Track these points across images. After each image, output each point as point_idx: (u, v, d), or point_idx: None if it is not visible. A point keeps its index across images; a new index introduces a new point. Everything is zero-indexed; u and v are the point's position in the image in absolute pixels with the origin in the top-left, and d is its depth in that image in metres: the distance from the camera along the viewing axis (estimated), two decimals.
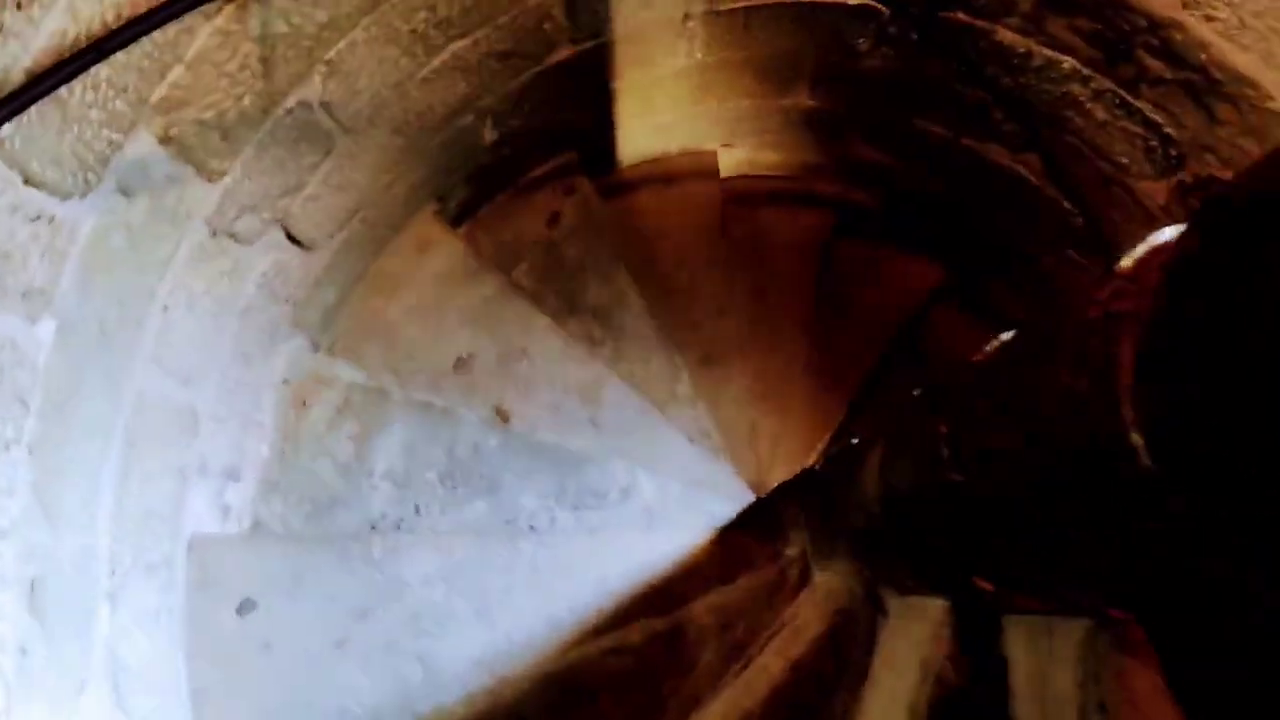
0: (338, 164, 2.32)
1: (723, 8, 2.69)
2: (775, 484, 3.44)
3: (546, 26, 2.49)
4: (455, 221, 3.11)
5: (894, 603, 1.45)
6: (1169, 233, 0.79)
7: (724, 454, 3.07)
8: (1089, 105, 2.62)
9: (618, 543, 2.35)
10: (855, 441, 1.65)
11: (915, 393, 1.23)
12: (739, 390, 3.45)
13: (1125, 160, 2.69)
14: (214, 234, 2.02)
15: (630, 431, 2.83)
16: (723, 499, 2.71)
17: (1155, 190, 2.65)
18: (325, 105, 2.11)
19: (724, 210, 3.66)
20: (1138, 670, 0.97)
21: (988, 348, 1.00)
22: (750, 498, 2.86)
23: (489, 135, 2.83)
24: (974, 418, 0.90)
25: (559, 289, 3.14)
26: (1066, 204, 2.91)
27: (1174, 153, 2.51)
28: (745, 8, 2.70)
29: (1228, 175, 2.41)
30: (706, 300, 3.48)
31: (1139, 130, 2.57)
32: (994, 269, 3.70)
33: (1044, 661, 1.10)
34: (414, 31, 2.18)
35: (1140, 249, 0.81)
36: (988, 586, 1.06)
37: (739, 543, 2.29)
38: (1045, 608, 1.03)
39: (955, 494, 0.96)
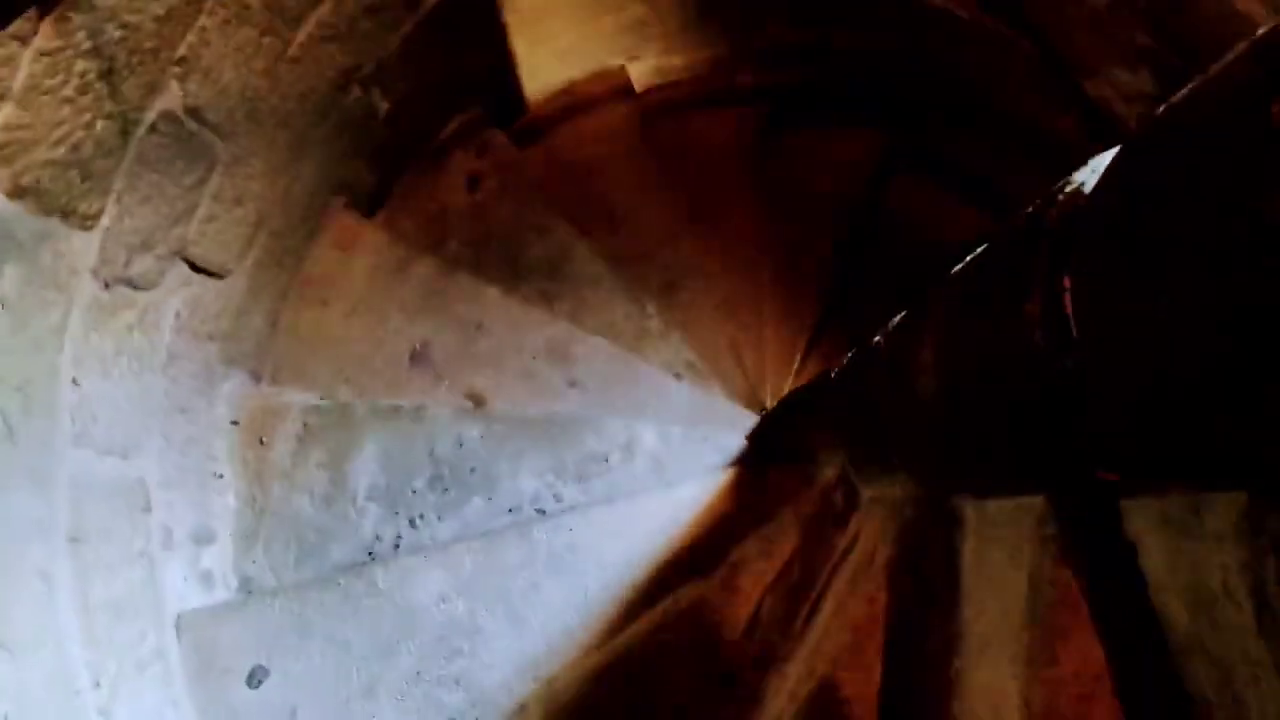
0: (226, 175, 2.07)
1: None
2: (776, 399, 3.29)
3: None
4: (371, 210, 2.86)
5: (971, 512, 1.29)
6: None
7: (714, 380, 2.89)
8: None
9: (635, 506, 2.16)
10: (880, 338, 1.47)
11: (991, 245, 1.04)
12: (710, 310, 3.26)
13: None
14: (107, 286, 1.78)
15: (613, 383, 2.64)
16: (729, 428, 2.53)
17: None
18: (192, 111, 1.86)
19: (646, 127, 3.43)
20: None
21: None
22: (754, 419, 2.70)
23: (381, 106, 2.57)
24: (1112, 264, 0.71)
25: (498, 254, 2.91)
26: (1010, 33, 2.73)
27: None
28: None
29: None
30: (652, 227, 3.27)
31: None
32: (949, 126, 3.52)
33: (1189, 543, 0.94)
34: (267, 4, 1.93)
35: None
36: (1112, 477, 0.89)
37: (765, 474, 2.11)
38: (1192, 488, 0.87)
39: (1071, 372, 0.79)
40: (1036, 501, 1.13)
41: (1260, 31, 0.63)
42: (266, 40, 1.98)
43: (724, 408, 2.73)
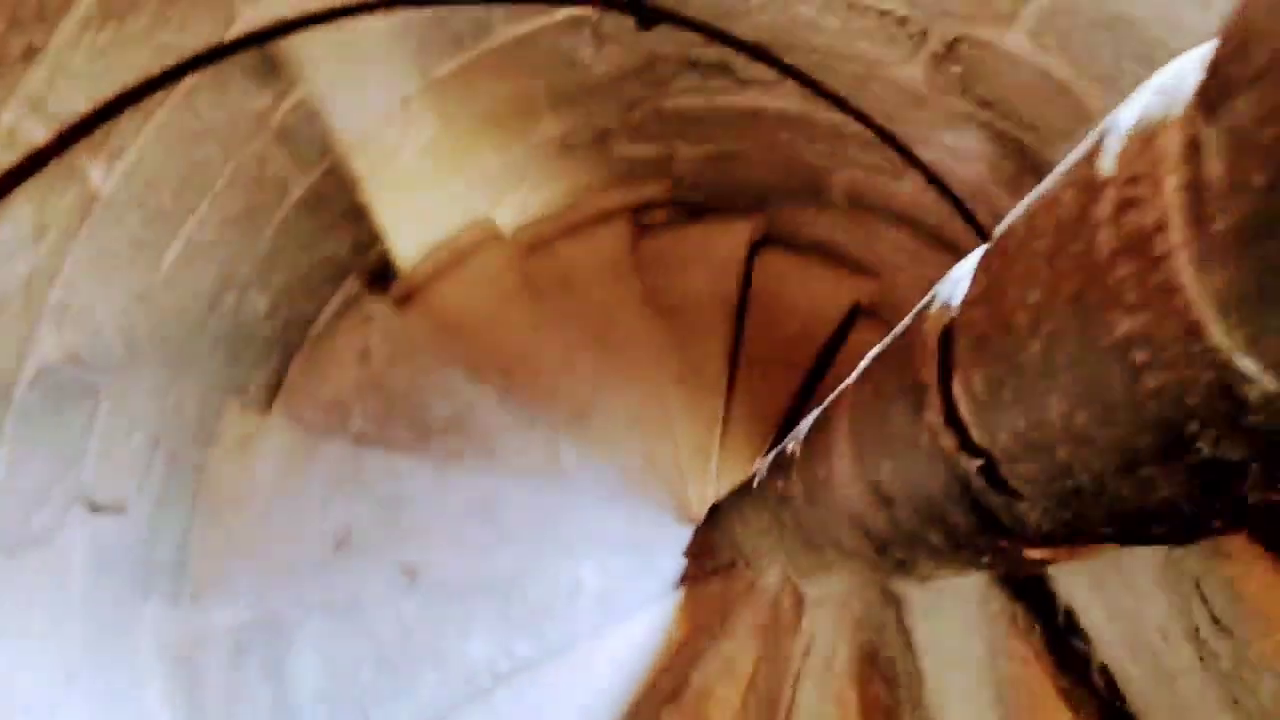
0: (113, 408, 2.03)
1: (438, 76, 2.53)
2: (702, 502, 3.32)
3: (270, 170, 2.26)
4: (267, 403, 2.83)
5: (916, 594, 1.33)
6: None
7: (641, 499, 2.91)
8: (821, 20, 2.60)
9: (592, 649, 2.15)
10: (793, 446, 1.52)
11: (874, 355, 1.10)
12: (622, 430, 3.30)
13: (875, 57, 2.69)
14: (12, 554, 1.72)
15: (544, 526, 2.64)
16: (666, 545, 2.55)
17: (913, 73, 2.66)
18: (70, 358, 1.84)
19: (524, 265, 3.51)
20: (1247, 573, 0.87)
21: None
22: (687, 528, 2.72)
23: (259, 304, 2.57)
24: (992, 370, 0.76)
25: (403, 421, 2.90)
26: (840, 115, 2.90)
27: (915, 29, 2.52)
28: (460, 67, 2.54)
29: (973, 30, 2.43)
30: (549, 360, 3.32)
31: (874, 23, 2.56)
32: (800, 204, 3.70)
33: (1122, 599, 0.99)
34: (133, 238, 1.93)
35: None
36: (1039, 554, 0.94)
37: (710, 588, 2.13)
38: (1114, 544, 0.92)
39: (982, 469, 0.84)
40: (977, 579, 1.17)
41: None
42: (137, 271, 1.98)
43: (656, 525, 2.74)
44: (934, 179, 2.81)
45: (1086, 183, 0.63)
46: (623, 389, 3.47)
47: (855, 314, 4.04)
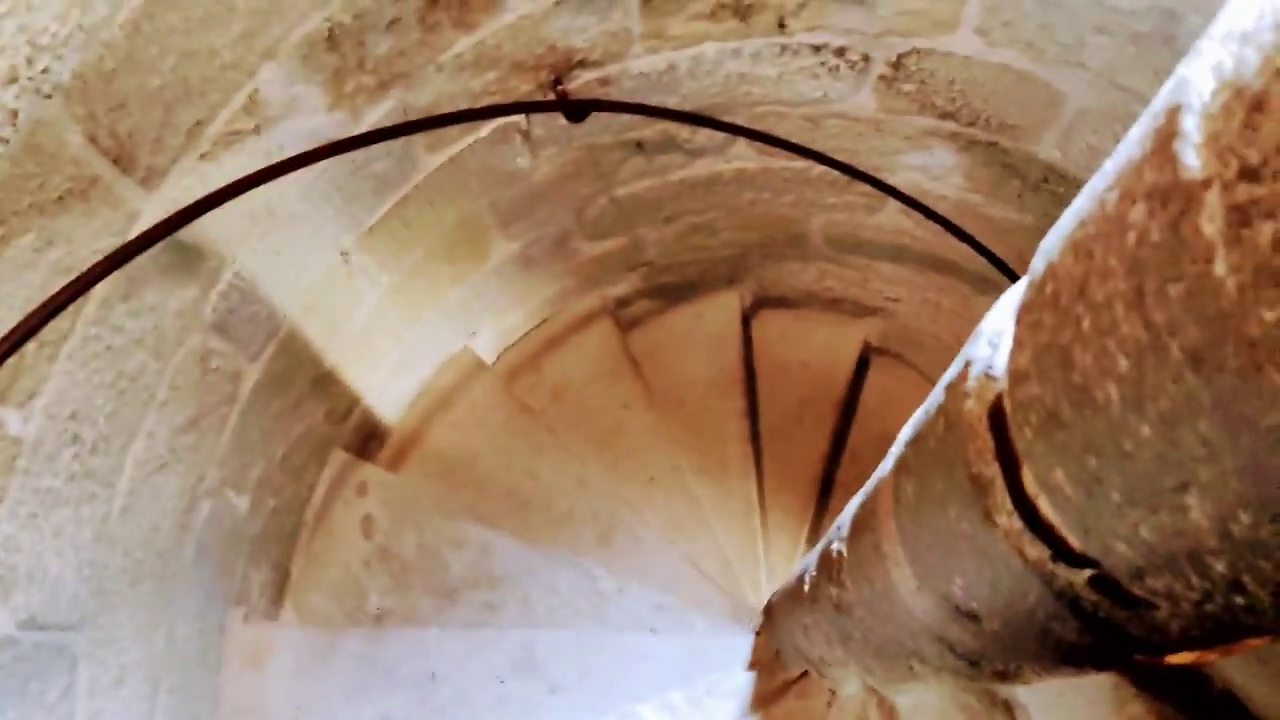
0: (94, 664, 1.82)
1: (374, 221, 2.37)
2: (759, 592, 3.07)
3: (215, 364, 2.09)
4: (275, 603, 2.62)
5: (1031, 696, 1.10)
6: None
7: (691, 611, 2.67)
8: (755, 71, 2.45)
9: None
10: (835, 548, 1.30)
11: (908, 440, 0.88)
12: (654, 539, 3.07)
13: (820, 94, 2.54)
14: None
15: (592, 670, 2.39)
16: (728, 662, 2.30)
17: (864, 102, 2.51)
18: (27, 624, 1.63)
19: (513, 390, 3.32)
20: None
21: None
22: (747, 632, 2.47)
23: (240, 504, 2.38)
24: (1068, 451, 0.55)
25: (422, 587, 2.68)
26: (801, 162, 2.74)
27: (856, 56, 2.37)
28: (394, 208, 2.39)
29: (917, 44, 2.28)
30: (558, 483, 3.10)
31: (811, 61, 2.42)
32: (783, 259, 3.53)
33: None
34: (73, 476, 1.74)
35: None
36: (1189, 658, 0.72)
37: (787, 706, 1.88)
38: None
39: (1093, 581, 0.62)
40: (1102, 679, 0.95)
41: None
42: (85, 510, 1.79)
43: (715, 636, 2.50)
44: (912, 203, 2.63)
45: (1167, 189, 0.43)
46: (645, 495, 3.25)
47: (867, 355, 3.84)
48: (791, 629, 1.78)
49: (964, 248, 2.65)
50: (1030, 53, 2.12)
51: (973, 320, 2.85)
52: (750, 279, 3.69)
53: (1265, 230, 0.37)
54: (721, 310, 3.72)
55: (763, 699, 2.00)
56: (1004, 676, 1.03)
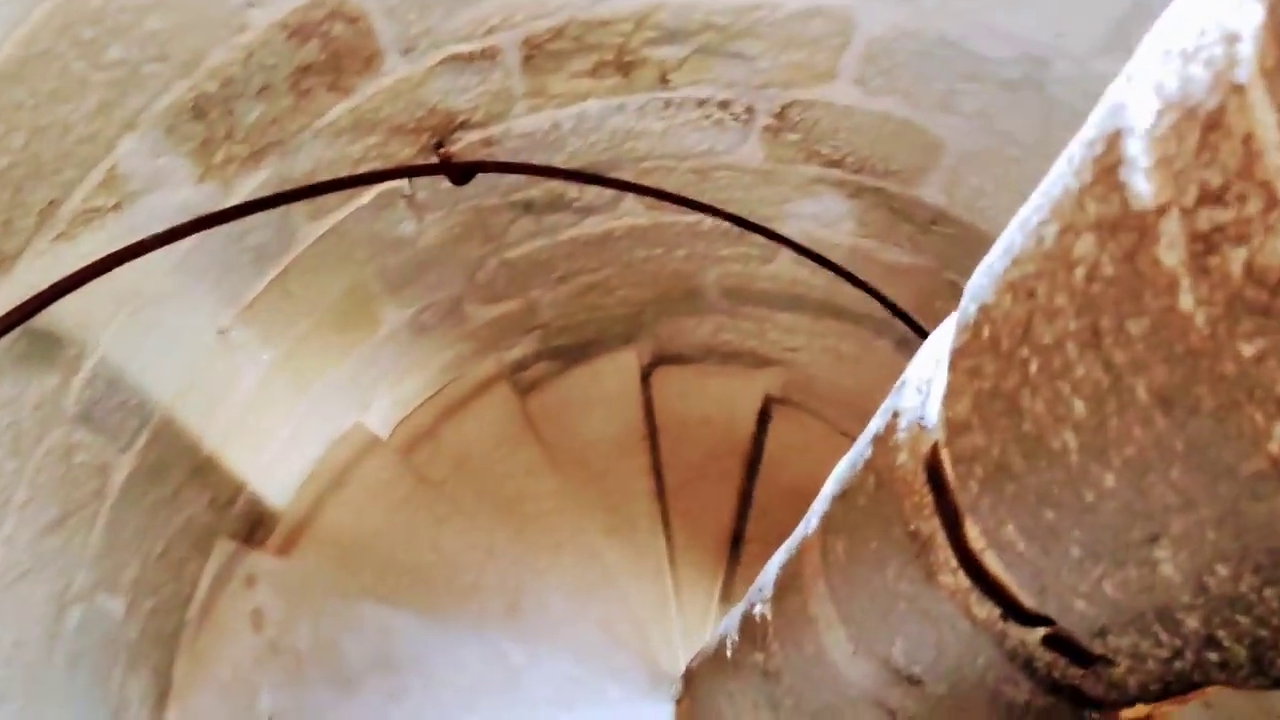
0: None
1: (254, 295, 2.26)
2: (678, 653, 2.99)
3: (80, 458, 1.94)
4: (157, 707, 2.43)
5: None
6: None
7: (610, 684, 2.58)
8: (640, 126, 2.45)
9: None
10: (758, 611, 1.25)
11: (833, 497, 0.84)
12: (564, 607, 2.97)
13: (707, 147, 2.54)
14: None
15: None
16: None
17: (752, 152, 2.53)
18: None
19: (411, 462, 3.20)
20: None
21: None
22: (666, 708, 2.39)
23: (114, 607, 2.20)
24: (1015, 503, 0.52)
25: (319, 679, 2.52)
26: (691, 215, 2.75)
27: (740, 109, 2.38)
28: (274, 282, 2.28)
29: (798, 94, 2.31)
30: (463, 555, 2.98)
31: (695, 114, 2.42)
32: (679, 314, 3.52)
33: None
34: None
35: None
36: (1143, 712, 0.68)
37: None
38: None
39: (1066, 649, 0.58)
40: None
41: None
42: None
43: (630, 712, 2.41)
44: (805, 251, 2.65)
45: (1116, 220, 0.40)
46: (553, 560, 3.16)
47: (768, 407, 3.84)
48: (715, 697, 1.71)
49: (860, 294, 2.68)
50: (909, 100, 2.16)
51: (876, 366, 2.87)
52: (647, 336, 3.67)
53: (1236, 258, 0.34)
54: (619, 369, 3.68)
55: None
56: None
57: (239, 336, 2.30)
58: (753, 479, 3.78)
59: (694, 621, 3.37)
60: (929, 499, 0.62)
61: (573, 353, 3.61)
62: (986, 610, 0.61)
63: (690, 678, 2.19)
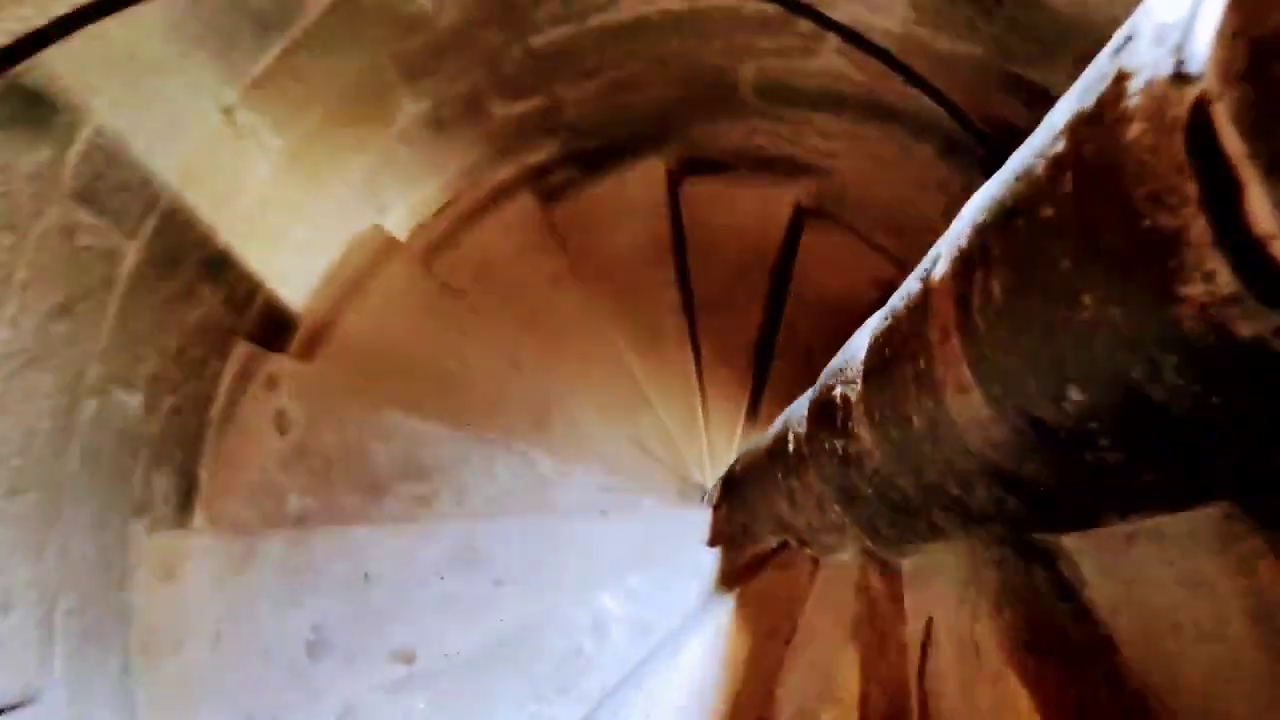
0: None
1: (257, 75, 2.05)
2: (708, 470, 2.92)
3: (83, 240, 1.78)
4: (184, 512, 2.36)
5: (1082, 544, 0.93)
6: None
7: (640, 493, 2.50)
8: None
9: (641, 694, 1.74)
10: (841, 392, 1.11)
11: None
12: (593, 418, 2.88)
13: None
14: None
15: (540, 558, 2.21)
16: (690, 540, 2.14)
17: None
18: None
19: (432, 268, 3.05)
20: None
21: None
22: (703, 514, 2.31)
23: (132, 403, 2.09)
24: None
25: (346, 483, 2.44)
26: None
27: None
28: (279, 58, 2.07)
29: None
30: (488, 365, 2.86)
31: None
32: (710, 116, 3.29)
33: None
34: None
35: None
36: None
37: (765, 583, 1.72)
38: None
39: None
40: (1203, 514, 0.77)
41: None
42: None
43: (666, 519, 2.33)
44: (854, 37, 2.40)
45: None
46: (580, 374, 3.04)
47: (800, 219, 3.65)
48: (768, 496, 1.60)
49: (906, 93, 2.45)
50: None
51: (914, 175, 2.66)
52: (676, 140, 3.44)
53: None
54: (647, 178, 3.47)
55: (731, 575, 1.83)
56: (1070, 522, 0.85)
57: (247, 120, 2.10)
58: (783, 294, 3.63)
59: (721, 437, 3.29)
60: (1186, 177, 0.46)
61: (598, 158, 3.39)
62: (1260, 323, 0.46)
63: (732, 482, 2.09)
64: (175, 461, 2.29)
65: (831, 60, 2.80)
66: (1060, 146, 0.58)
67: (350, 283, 2.77)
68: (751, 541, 1.82)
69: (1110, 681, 0.99)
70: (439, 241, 3.11)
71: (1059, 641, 1.05)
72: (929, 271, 0.85)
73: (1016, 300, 0.66)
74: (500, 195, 3.20)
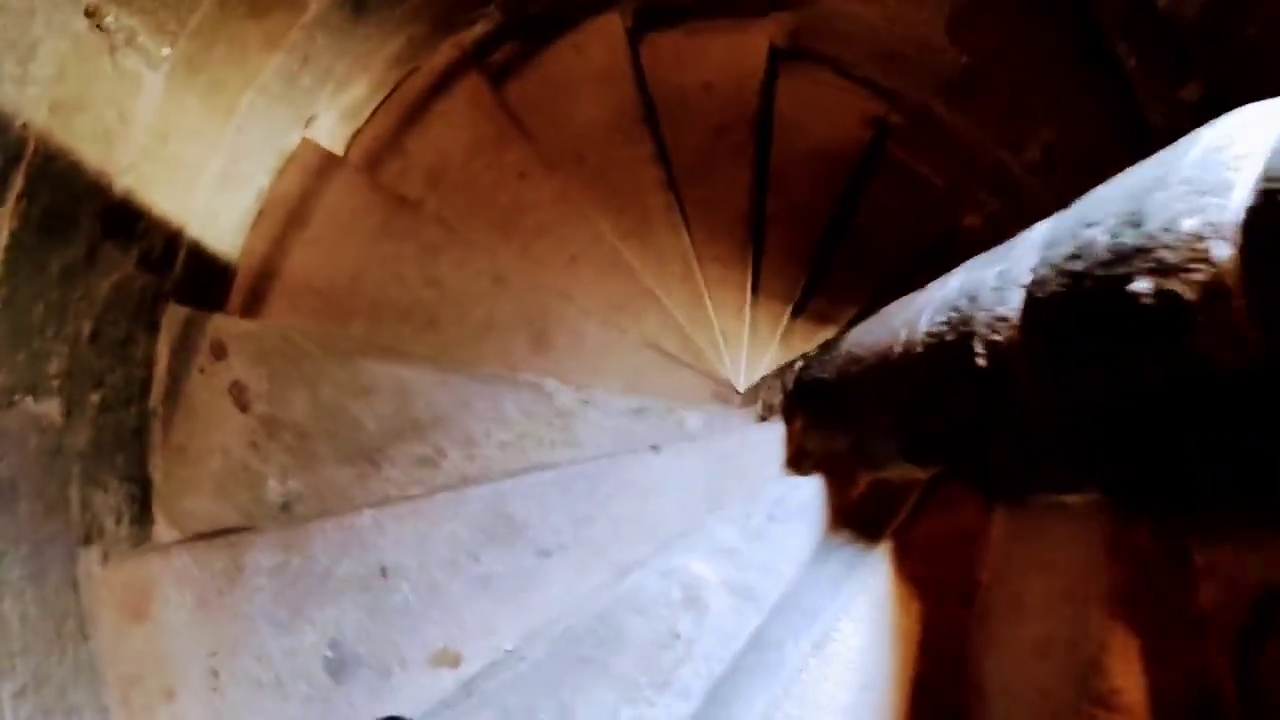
0: None
1: None
2: (743, 372, 2.52)
3: None
4: (139, 521, 1.90)
5: None
6: None
7: (683, 407, 2.09)
8: None
9: (794, 701, 1.35)
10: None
11: None
12: (601, 332, 2.44)
13: None
14: None
15: (590, 516, 1.80)
16: (767, 470, 1.74)
17: None
18: None
19: (379, 183, 2.53)
20: None
21: None
22: (767, 430, 1.91)
23: (49, 409, 1.60)
24: None
25: (332, 452, 2.00)
26: None
27: None
28: None
29: None
30: (467, 287, 2.38)
31: None
32: None
33: None
34: None
35: None
36: None
37: (934, 529, 1.32)
38: None
39: None
40: None
41: None
42: None
43: (728, 442, 1.92)
44: None
45: None
46: (571, 277, 2.59)
47: (775, 60, 3.15)
48: (910, 408, 1.18)
49: None
50: None
51: None
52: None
53: None
54: (604, 38, 2.93)
55: (853, 514, 1.44)
56: None
57: (119, 23, 1.55)
58: (768, 149, 3.17)
59: (731, 320, 2.88)
60: None
61: (545, 23, 2.84)
62: None
63: (816, 388, 1.66)
64: (117, 469, 1.82)
65: None
66: None
67: (288, 213, 2.25)
68: (869, 466, 1.43)
69: None
70: (382, 148, 2.57)
71: None
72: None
73: None
74: (443, 83, 2.65)
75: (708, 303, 2.78)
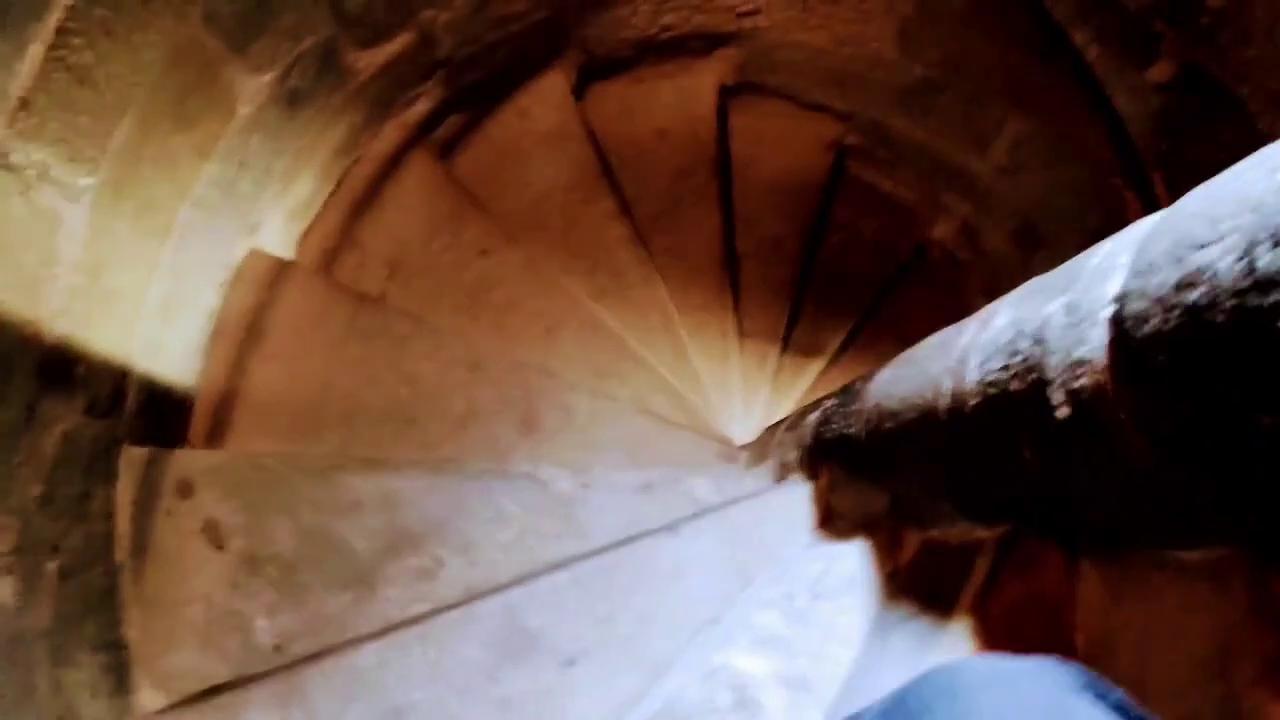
0: None
1: (19, 89, 1.34)
2: (732, 431, 2.37)
3: None
4: (119, 690, 1.70)
5: None
6: None
7: (689, 475, 1.92)
8: None
9: None
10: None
11: None
12: (590, 404, 2.28)
13: None
14: None
15: (612, 615, 1.62)
16: (794, 536, 1.58)
17: None
18: None
19: (336, 284, 2.37)
20: None
21: None
22: (786, 490, 1.75)
23: (5, 593, 1.42)
24: None
25: (322, 582, 1.81)
26: None
27: None
28: (48, 51, 1.36)
29: None
30: (447, 377, 2.23)
31: None
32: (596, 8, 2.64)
33: None
34: None
35: None
36: None
37: (1016, 597, 1.16)
38: None
39: None
40: None
41: None
42: None
43: (745, 509, 1.75)
44: None
45: None
46: (550, 349, 2.44)
47: (725, 98, 3.04)
48: (969, 460, 1.03)
49: None
50: None
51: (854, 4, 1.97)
52: (570, 46, 2.78)
53: None
54: (548, 97, 2.81)
55: (910, 581, 1.27)
56: None
57: (28, 158, 1.39)
58: (730, 188, 3.06)
59: (714, 368, 2.74)
60: None
61: (489, 91, 2.71)
62: None
63: (842, 444, 1.50)
64: (88, 639, 1.63)
65: None
66: None
67: (244, 329, 2.08)
68: (915, 524, 1.27)
69: None
70: (335, 244, 2.42)
71: None
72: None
73: None
74: (390, 167, 2.51)
75: (689, 354, 2.64)
